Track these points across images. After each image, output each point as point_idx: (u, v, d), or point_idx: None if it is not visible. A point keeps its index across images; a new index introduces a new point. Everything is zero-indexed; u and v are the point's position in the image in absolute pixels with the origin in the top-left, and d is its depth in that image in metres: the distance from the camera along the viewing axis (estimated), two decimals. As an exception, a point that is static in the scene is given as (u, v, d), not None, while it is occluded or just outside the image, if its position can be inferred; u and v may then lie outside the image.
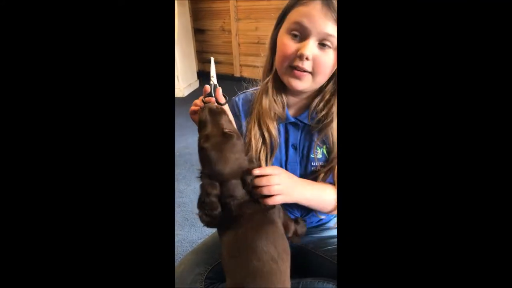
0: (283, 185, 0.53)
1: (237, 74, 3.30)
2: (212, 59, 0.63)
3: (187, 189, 1.52)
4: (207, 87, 0.57)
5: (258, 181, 0.51)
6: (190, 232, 1.24)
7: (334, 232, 0.70)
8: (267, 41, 0.65)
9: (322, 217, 0.71)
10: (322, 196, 0.60)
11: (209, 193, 0.50)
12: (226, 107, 0.58)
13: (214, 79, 0.58)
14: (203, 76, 3.33)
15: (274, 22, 0.63)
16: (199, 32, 3.44)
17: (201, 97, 0.58)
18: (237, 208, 0.51)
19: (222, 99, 0.57)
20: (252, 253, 0.48)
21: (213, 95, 0.57)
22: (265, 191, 0.51)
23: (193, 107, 0.58)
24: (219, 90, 0.57)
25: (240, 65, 3.27)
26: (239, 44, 3.18)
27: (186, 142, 2.00)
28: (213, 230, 0.78)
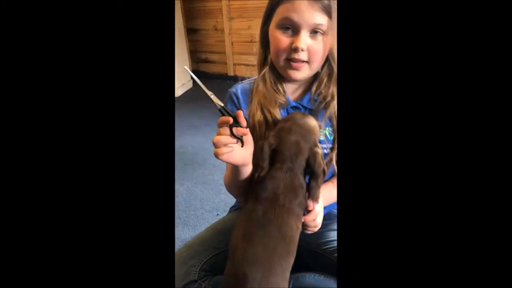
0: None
1: (231, 73, 3.30)
2: (192, 74, 0.52)
3: (181, 188, 1.52)
4: (230, 118, 0.47)
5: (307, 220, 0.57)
6: (183, 231, 1.25)
7: (335, 231, 0.71)
8: (257, 36, 0.67)
9: None
10: (332, 196, 0.67)
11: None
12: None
13: (214, 97, 0.48)
14: (196, 75, 3.30)
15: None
16: (192, 31, 3.42)
17: (222, 130, 0.48)
18: (272, 190, 0.54)
19: (245, 122, 0.49)
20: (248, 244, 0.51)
21: (232, 115, 0.47)
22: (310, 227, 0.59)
23: (224, 149, 0.47)
24: (241, 113, 0.47)
25: (233, 64, 3.26)
26: (232, 43, 3.17)
27: (180, 142, 2.00)
28: (206, 226, 0.79)
